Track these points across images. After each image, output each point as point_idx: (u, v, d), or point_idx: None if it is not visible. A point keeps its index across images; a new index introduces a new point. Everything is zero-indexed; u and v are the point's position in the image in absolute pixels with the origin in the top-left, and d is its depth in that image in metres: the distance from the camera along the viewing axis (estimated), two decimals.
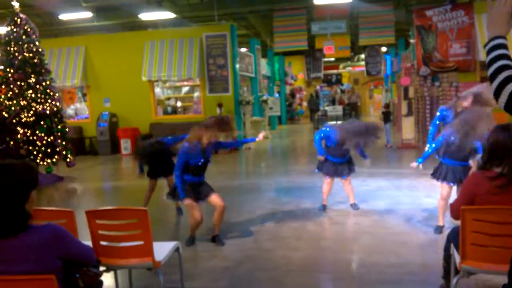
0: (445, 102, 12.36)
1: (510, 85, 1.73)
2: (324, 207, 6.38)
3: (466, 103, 4.81)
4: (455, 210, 2.97)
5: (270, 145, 15.40)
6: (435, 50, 12.46)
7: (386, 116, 13.29)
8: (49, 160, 9.72)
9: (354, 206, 6.34)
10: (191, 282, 4.09)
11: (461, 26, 12.20)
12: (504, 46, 1.84)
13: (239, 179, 9.62)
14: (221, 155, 12.82)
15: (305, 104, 27.16)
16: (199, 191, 5.07)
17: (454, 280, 3.05)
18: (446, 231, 4.29)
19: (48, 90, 9.85)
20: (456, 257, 3.09)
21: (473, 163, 3.10)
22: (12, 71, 9.49)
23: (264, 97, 17.63)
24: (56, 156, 9.78)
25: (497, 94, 1.77)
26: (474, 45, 12.16)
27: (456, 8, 12.21)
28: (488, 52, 1.87)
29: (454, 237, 3.21)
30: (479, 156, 3.07)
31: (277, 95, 22.21)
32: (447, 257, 3.40)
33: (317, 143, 6.14)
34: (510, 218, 2.76)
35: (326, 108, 21.81)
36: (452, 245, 3.25)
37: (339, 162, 6.18)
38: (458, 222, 2.92)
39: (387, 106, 14.18)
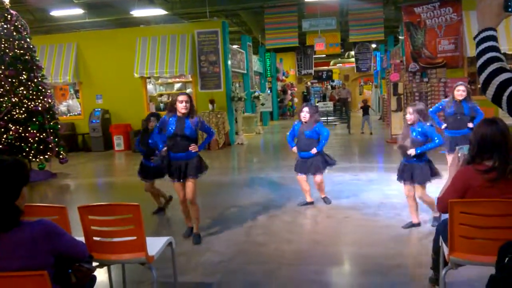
0: (433, 97, 12.49)
1: (498, 77, 1.72)
2: (308, 203, 6.40)
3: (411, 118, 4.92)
4: (444, 203, 3.01)
5: (262, 140, 15.44)
6: (424, 46, 12.58)
7: (365, 109, 15.76)
8: (41, 157, 9.69)
9: (325, 200, 6.43)
10: (184, 276, 4.13)
11: (449, 23, 12.33)
12: (493, 38, 1.82)
13: (232, 174, 9.66)
14: (214, 151, 12.85)
15: (296, 100, 27.23)
16: (180, 170, 4.95)
17: (443, 272, 3.12)
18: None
19: (40, 87, 9.81)
20: (445, 249, 3.15)
21: (457, 155, 3.14)
22: (3, 67, 9.43)
23: (256, 93, 17.65)
24: (48, 153, 9.74)
25: (485, 86, 1.76)
26: (462, 41, 12.29)
27: (444, 5, 12.34)
28: (478, 44, 1.85)
29: (442, 230, 3.27)
30: (465, 150, 3.10)
31: (268, 91, 22.24)
32: (436, 249, 3.46)
33: (288, 138, 6.44)
34: (497, 210, 2.82)
35: (317, 104, 21.88)
36: (441, 237, 3.31)
37: (307, 156, 6.16)
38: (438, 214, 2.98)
39: (365, 101, 16.47)
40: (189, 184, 4.99)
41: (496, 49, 1.81)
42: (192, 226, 5.28)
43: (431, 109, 6.62)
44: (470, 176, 2.92)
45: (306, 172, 6.24)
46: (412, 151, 4.84)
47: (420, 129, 4.85)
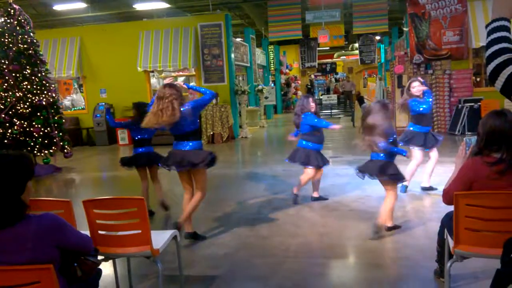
0: (438, 89, 12.43)
1: (507, 69, 1.70)
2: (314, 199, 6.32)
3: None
4: (449, 195, 2.99)
5: (265, 134, 15.43)
6: (429, 38, 12.50)
7: (360, 100, 17.07)
8: (46, 151, 9.73)
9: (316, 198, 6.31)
10: (189, 269, 4.14)
11: (454, 14, 12.22)
12: (505, 28, 1.79)
13: (236, 167, 9.66)
14: (218, 144, 12.86)
15: (300, 93, 27.17)
16: (181, 159, 4.64)
17: (448, 264, 3.12)
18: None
19: (44, 81, 9.82)
20: (450, 241, 3.14)
21: (464, 147, 3.12)
22: (7, 62, 9.45)
23: (260, 87, 17.62)
24: (53, 147, 9.78)
25: (493, 76, 1.74)
26: (467, 32, 12.20)
27: None
28: (489, 34, 1.82)
29: (447, 222, 3.26)
30: (473, 141, 3.08)
31: (272, 84, 22.20)
32: (441, 241, 3.45)
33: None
34: (503, 202, 2.80)
35: (321, 97, 21.83)
36: (446, 230, 3.30)
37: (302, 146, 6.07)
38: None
39: (358, 92, 18.20)
40: (199, 173, 4.80)
41: (507, 40, 1.76)
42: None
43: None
44: (477, 168, 2.90)
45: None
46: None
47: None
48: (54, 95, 10.05)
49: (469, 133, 11.23)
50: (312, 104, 6.02)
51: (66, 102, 15.35)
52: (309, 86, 29.02)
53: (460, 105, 11.81)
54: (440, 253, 3.53)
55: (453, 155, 6.92)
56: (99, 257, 2.86)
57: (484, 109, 11.16)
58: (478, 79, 13.43)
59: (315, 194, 6.32)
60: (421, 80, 6.28)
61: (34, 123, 9.49)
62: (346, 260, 4.42)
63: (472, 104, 11.55)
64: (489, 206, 2.82)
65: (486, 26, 1.85)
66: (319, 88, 30.67)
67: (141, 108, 5.70)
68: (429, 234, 4.56)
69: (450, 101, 12.38)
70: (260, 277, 3.98)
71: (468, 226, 2.93)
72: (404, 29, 14.59)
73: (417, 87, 6.14)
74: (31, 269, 2.14)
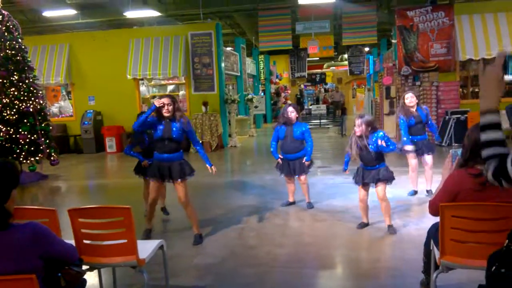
0: (426, 101, 12.57)
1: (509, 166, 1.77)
2: (287, 202, 6.58)
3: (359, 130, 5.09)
4: (435, 206, 3.02)
5: (255, 143, 15.44)
6: (416, 50, 12.66)
7: (343, 111, 17.85)
8: (32, 158, 9.61)
9: (308, 205, 6.41)
10: (176, 279, 4.11)
11: (441, 27, 12.42)
12: (496, 126, 1.85)
13: (224, 176, 9.64)
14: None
15: (290, 102, 27.31)
16: (163, 172, 4.96)
17: (434, 275, 3.13)
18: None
19: (31, 88, 9.73)
20: (436, 252, 3.16)
21: (450, 159, 3.16)
22: None
23: (249, 96, 17.66)
24: (39, 154, 9.67)
25: (499, 174, 1.81)
26: (454, 45, 12.39)
27: (436, 9, 12.44)
28: (482, 129, 1.88)
29: (433, 233, 3.28)
30: (459, 153, 3.11)
31: (262, 94, 22.25)
32: (427, 252, 3.47)
33: (272, 148, 6.43)
34: (488, 214, 2.83)
35: (310, 106, 21.92)
36: (432, 241, 3.32)
37: (292, 158, 6.20)
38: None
39: (343, 104, 19.24)
40: (179, 187, 5.01)
41: (499, 143, 1.84)
42: (149, 228, 5.33)
43: (405, 139, 6.49)
44: (461, 180, 2.92)
45: (291, 174, 6.31)
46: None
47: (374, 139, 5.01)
48: (41, 101, 9.96)
49: (456, 144, 11.35)
50: (290, 112, 6.15)
51: (54, 109, 15.22)
52: (299, 96, 29.14)
53: (447, 117, 11.94)
54: (427, 264, 3.54)
55: (440, 166, 6.97)
56: (84, 267, 2.82)
57: (470, 121, 11.29)
58: (465, 91, 13.61)
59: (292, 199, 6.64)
60: (415, 93, 6.64)
61: (20, 130, 9.38)
62: (334, 270, 4.42)
63: (459, 116, 11.68)
64: (474, 217, 2.85)
65: (482, 114, 1.90)
66: (309, 98, 30.80)
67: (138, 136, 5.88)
68: (416, 245, 4.57)
69: (437, 113, 12.52)
70: (247, 287, 3.96)
71: (454, 237, 2.95)
72: (393, 41, 14.76)
73: (410, 99, 6.48)
74: (14, 279, 2.11)
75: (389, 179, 5.14)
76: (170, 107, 4.89)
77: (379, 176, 5.09)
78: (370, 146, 5.01)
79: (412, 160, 6.67)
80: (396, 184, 7.38)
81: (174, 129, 4.91)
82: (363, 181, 5.20)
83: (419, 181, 6.85)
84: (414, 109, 6.50)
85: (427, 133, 6.75)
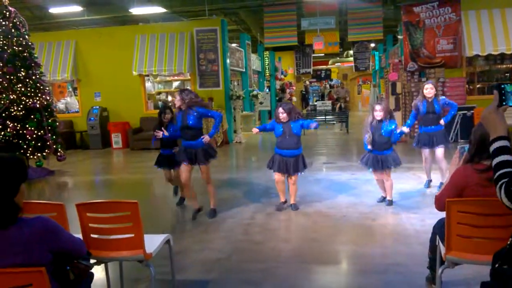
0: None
1: None
2: (282, 204, 6.24)
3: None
4: (441, 202, 3.02)
5: (260, 139, 15.45)
6: (423, 46, 12.61)
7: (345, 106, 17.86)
8: (39, 154, 9.67)
9: (293, 206, 6.15)
10: (182, 274, 4.14)
11: (448, 22, 12.35)
12: (505, 150, 1.87)
13: (230, 172, 9.66)
14: None
15: (295, 99, 27.26)
16: (191, 156, 5.71)
17: (439, 271, 3.13)
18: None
19: (38, 84, 9.79)
20: (442, 248, 3.16)
21: (458, 155, 3.17)
22: (1, 64, 9.41)
23: (255, 92, 17.65)
24: (46, 150, 9.73)
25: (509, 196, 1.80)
26: (460, 41, 12.31)
27: (443, 5, 12.36)
28: (494, 154, 1.90)
29: (439, 229, 3.28)
30: (465, 149, 3.12)
31: (267, 90, 22.23)
32: (433, 248, 3.47)
33: (261, 127, 6.32)
34: (494, 209, 2.82)
35: (315, 103, 21.89)
36: (437, 236, 3.32)
37: (289, 155, 5.93)
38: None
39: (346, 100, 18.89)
40: (203, 168, 5.81)
41: (510, 163, 1.85)
42: (198, 207, 5.98)
43: (409, 122, 6.99)
44: (467, 175, 2.93)
45: (286, 172, 5.99)
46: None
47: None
48: (48, 98, 10.01)
49: (462, 140, 11.31)
50: (280, 113, 5.91)
51: (60, 105, 15.29)
52: (304, 92, 29.09)
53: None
54: (432, 260, 3.54)
55: (446, 162, 6.94)
56: (91, 261, 2.85)
57: (477, 117, 11.25)
58: (471, 87, 13.54)
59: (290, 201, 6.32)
60: (434, 83, 6.83)
61: (27, 126, 9.44)
62: (339, 266, 4.43)
63: (465, 112, 11.63)
64: (480, 213, 2.85)
65: (490, 143, 1.93)
66: (314, 94, 30.75)
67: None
68: (421, 241, 4.58)
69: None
70: (252, 282, 3.99)
71: (460, 233, 2.95)
72: (399, 37, 14.69)
73: (428, 89, 6.65)
74: (23, 272, 2.14)
75: (397, 162, 5.86)
76: (179, 102, 5.66)
77: (388, 160, 5.81)
78: (382, 131, 5.73)
79: (425, 151, 6.81)
80: (401, 179, 7.43)
81: (190, 117, 5.61)
82: (374, 166, 5.91)
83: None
84: (430, 100, 6.63)
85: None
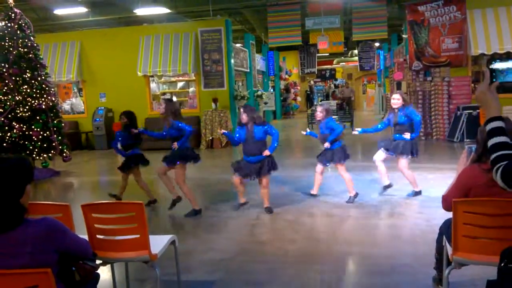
0: (437, 96, 12.48)
1: None
2: (240, 205, 6.28)
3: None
4: (448, 202, 3.00)
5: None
6: (428, 45, 12.55)
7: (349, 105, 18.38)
8: (45, 155, 9.71)
9: (266, 210, 6.08)
10: (187, 275, 4.13)
11: (453, 21, 12.29)
12: (500, 131, 1.89)
13: None
14: (217, 149, 12.86)
15: (299, 99, 27.24)
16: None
17: (446, 271, 3.11)
18: None
19: (43, 85, 9.84)
20: (448, 248, 3.13)
21: (465, 155, 3.14)
22: (7, 66, 9.46)
23: (259, 92, 17.65)
24: (52, 151, 9.78)
25: (509, 177, 1.81)
26: (466, 40, 12.25)
27: (448, 4, 12.30)
28: (488, 136, 1.92)
29: (446, 229, 3.26)
30: (473, 149, 3.10)
31: (271, 90, 22.22)
32: (440, 248, 3.45)
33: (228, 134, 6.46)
34: (501, 210, 2.80)
35: (320, 102, 21.86)
36: (444, 237, 3.30)
37: (254, 161, 5.88)
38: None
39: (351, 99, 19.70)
40: (175, 169, 6.15)
41: (505, 145, 1.86)
42: (177, 197, 6.30)
43: (379, 126, 6.83)
44: (474, 174, 2.91)
45: (251, 176, 5.92)
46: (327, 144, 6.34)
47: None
48: (53, 99, 10.06)
49: (468, 140, 11.25)
50: (242, 115, 5.92)
51: (66, 106, 15.35)
52: (309, 92, 29.06)
53: (459, 112, 11.84)
54: (439, 260, 3.52)
55: (452, 162, 6.94)
56: (97, 262, 2.85)
57: (482, 117, 11.18)
58: (476, 86, 13.47)
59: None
60: (402, 94, 6.52)
61: (33, 127, 9.49)
62: (345, 266, 4.41)
63: (471, 111, 11.58)
64: (487, 213, 2.82)
65: (484, 124, 1.96)
66: (319, 94, 30.70)
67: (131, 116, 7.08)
68: (428, 241, 4.55)
69: (449, 108, 12.42)
70: (258, 283, 3.98)
71: (467, 233, 2.93)
72: (404, 36, 14.65)
73: (392, 100, 6.51)
74: (29, 273, 2.13)
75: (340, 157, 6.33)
76: (162, 108, 6.17)
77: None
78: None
79: (382, 152, 6.60)
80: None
81: (169, 129, 6.07)
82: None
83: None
84: (396, 111, 6.38)
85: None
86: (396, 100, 6.34)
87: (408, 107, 6.37)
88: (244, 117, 5.87)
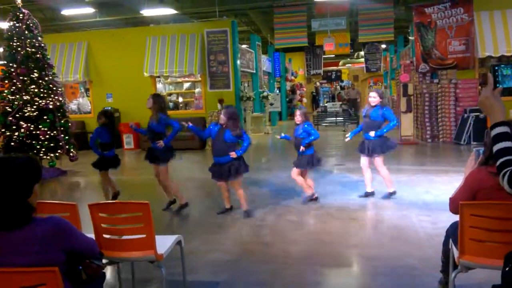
0: (444, 99, 12.43)
1: None
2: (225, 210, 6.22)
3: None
4: (455, 204, 2.99)
5: (270, 140, 15.44)
6: (434, 47, 12.51)
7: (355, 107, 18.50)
8: (52, 154, 9.76)
9: (245, 214, 6.02)
10: (192, 275, 4.14)
11: (460, 23, 12.24)
12: (506, 136, 1.88)
13: None
14: None
15: (305, 100, 27.22)
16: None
17: (452, 275, 3.10)
18: None
19: (50, 85, 9.90)
20: (455, 252, 3.12)
21: (473, 158, 3.13)
22: (15, 66, 9.53)
23: (265, 93, 17.66)
24: (59, 151, 9.83)
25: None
26: (473, 42, 12.19)
27: (455, 6, 12.25)
28: (493, 142, 1.93)
29: (452, 232, 3.24)
30: (480, 151, 3.09)
31: (277, 91, 22.22)
32: (446, 251, 3.44)
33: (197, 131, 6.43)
34: (508, 213, 2.79)
35: (326, 104, 21.84)
36: (451, 240, 3.29)
37: (222, 162, 5.82)
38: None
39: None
40: (158, 168, 6.48)
41: (511, 151, 1.86)
42: (172, 199, 6.52)
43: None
44: (481, 177, 2.89)
45: (224, 178, 5.90)
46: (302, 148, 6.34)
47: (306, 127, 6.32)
48: (60, 98, 10.12)
49: (475, 143, 11.19)
50: (222, 116, 5.86)
51: (73, 106, 15.42)
52: (314, 94, 29.03)
53: (466, 115, 11.79)
54: (445, 264, 3.51)
55: (458, 165, 6.91)
56: (104, 261, 2.86)
57: (489, 119, 11.12)
58: (483, 89, 13.42)
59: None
60: (379, 92, 6.71)
61: (40, 126, 9.55)
62: (349, 268, 4.41)
63: (478, 113, 11.52)
64: (494, 216, 2.81)
65: (490, 129, 1.97)
66: (324, 96, 30.66)
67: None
68: (434, 244, 4.54)
69: (456, 111, 12.37)
70: (262, 284, 3.99)
71: (473, 237, 2.91)
72: (410, 38, 14.61)
73: (372, 97, 6.46)
74: (36, 271, 2.15)
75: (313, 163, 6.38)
76: (149, 102, 6.67)
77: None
78: (299, 132, 6.39)
79: (361, 159, 6.63)
80: (414, 183, 7.37)
81: (155, 121, 6.29)
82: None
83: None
84: (373, 106, 6.40)
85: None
86: (373, 98, 6.41)
87: (387, 107, 6.48)
88: (223, 120, 5.77)
